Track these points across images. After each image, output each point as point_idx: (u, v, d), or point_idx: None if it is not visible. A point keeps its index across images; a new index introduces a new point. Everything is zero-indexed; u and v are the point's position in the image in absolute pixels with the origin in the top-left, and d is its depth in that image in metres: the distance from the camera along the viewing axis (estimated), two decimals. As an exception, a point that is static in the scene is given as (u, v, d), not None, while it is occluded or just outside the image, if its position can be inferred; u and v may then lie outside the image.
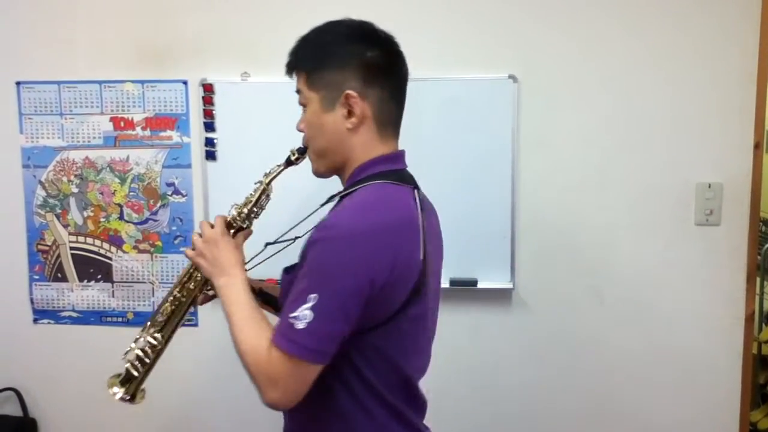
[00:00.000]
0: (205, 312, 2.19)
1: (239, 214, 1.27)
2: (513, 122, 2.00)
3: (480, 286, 2.05)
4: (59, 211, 2.22)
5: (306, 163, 1.24)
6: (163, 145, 2.15)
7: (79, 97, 2.17)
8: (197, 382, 2.17)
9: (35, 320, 2.27)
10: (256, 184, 1.30)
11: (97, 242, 2.21)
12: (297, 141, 1.24)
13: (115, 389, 1.29)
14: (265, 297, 1.36)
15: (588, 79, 2.00)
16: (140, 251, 2.20)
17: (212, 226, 1.25)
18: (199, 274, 1.27)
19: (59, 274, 2.24)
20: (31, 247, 2.24)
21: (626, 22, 1.97)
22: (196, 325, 2.21)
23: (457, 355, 2.10)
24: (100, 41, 2.15)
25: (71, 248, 2.22)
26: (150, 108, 2.14)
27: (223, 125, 2.10)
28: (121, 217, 2.19)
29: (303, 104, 1.17)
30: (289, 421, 1.22)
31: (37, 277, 2.25)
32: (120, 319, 2.23)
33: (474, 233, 2.03)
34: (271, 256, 1.32)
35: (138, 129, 2.15)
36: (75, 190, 2.20)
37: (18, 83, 2.18)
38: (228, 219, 1.27)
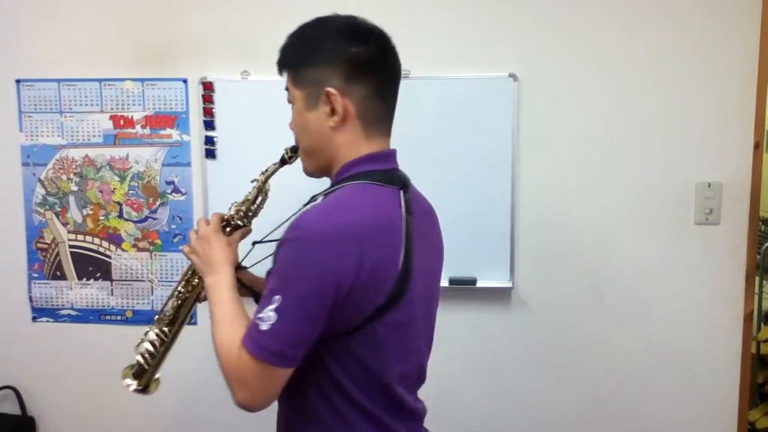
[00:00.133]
0: (205, 310, 2.18)
1: (237, 212, 1.27)
2: (513, 121, 2.01)
3: (479, 285, 2.05)
4: (58, 209, 2.21)
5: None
6: (162, 144, 2.15)
7: (78, 95, 2.16)
8: (197, 381, 2.16)
9: (34, 318, 2.27)
10: (252, 182, 1.30)
11: (97, 240, 2.21)
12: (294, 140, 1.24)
13: (128, 381, 1.31)
14: (257, 296, 1.35)
15: (588, 78, 2.00)
16: (139, 249, 2.19)
17: (209, 224, 1.25)
18: None
19: (58, 273, 2.24)
20: (30, 245, 2.24)
21: (626, 21, 1.98)
22: (195, 323, 2.20)
23: (456, 354, 2.10)
24: (100, 39, 2.14)
25: (70, 246, 2.22)
26: (150, 106, 2.14)
27: (223, 124, 2.10)
28: (120, 216, 2.19)
29: (291, 102, 1.15)
30: (277, 417, 1.22)
31: (36, 275, 2.25)
32: (119, 318, 2.23)
33: (473, 232, 2.03)
34: (265, 258, 1.31)
35: (138, 127, 2.15)
36: (74, 188, 2.20)
37: (18, 81, 2.18)
38: (225, 217, 1.27)
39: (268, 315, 1.00)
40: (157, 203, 2.17)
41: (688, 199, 2.01)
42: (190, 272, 1.31)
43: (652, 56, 1.98)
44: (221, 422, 2.17)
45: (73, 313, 2.25)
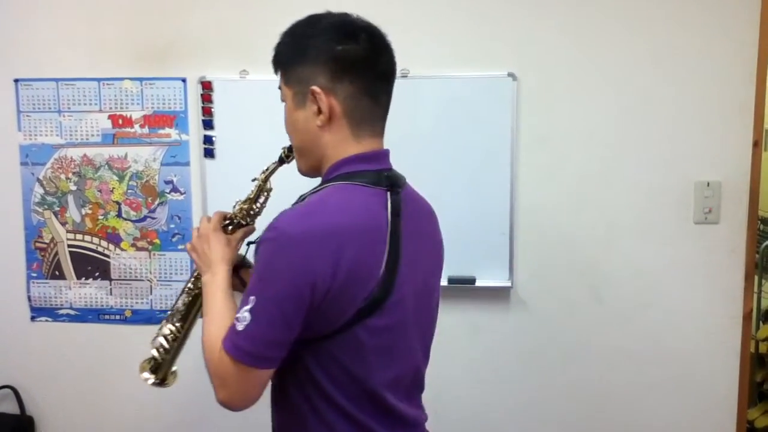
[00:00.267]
0: (204, 310, 2.19)
1: (240, 210, 1.27)
2: (512, 120, 2.00)
3: (478, 284, 2.05)
4: (57, 208, 2.21)
5: None
6: (161, 143, 2.15)
7: (77, 95, 2.16)
8: (195, 380, 2.16)
9: (33, 318, 2.27)
10: (253, 181, 1.30)
11: (95, 240, 2.21)
12: (294, 139, 1.24)
13: (146, 375, 1.32)
14: None
15: (587, 77, 2.00)
16: (138, 249, 2.19)
17: (210, 222, 1.25)
18: None
19: (57, 272, 2.23)
20: (28, 244, 2.24)
21: (625, 20, 1.97)
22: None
23: (455, 353, 2.10)
24: (98, 39, 2.14)
25: (69, 246, 2.22)
26: (148, 105, 2.14)
27: (222, 123, 2.10)
28: (119, 215, 2.19)
29: (283, 101, 1.15)
30: (271, 418, 1.21)
31: (34, 274, 2.25)
32: (118, 317, 2.23)
33: (472, 231, 2.03)
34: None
35: (136, 126, 2.15)
36: (73, 187, 2.20)
37: (16, 80, 2.18)
38: (228, 215, 1.27)
39: (244, 315, 0.99)
40: (156, 203, 2.17)
41: (687, 199, 2.01)
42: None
43: (651, 55, 1.98)
44: (220, 421, 2.17)
45: (72, 312, 2.25)
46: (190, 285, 1.32)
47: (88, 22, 2.14)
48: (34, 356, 2.28)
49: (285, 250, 0.98)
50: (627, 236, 2.04)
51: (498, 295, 2.09)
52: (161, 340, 1.29)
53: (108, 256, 2.21)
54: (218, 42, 2.09)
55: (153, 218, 2.18)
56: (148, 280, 2.21)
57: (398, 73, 1.15)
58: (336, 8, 1.14)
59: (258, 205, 1.29)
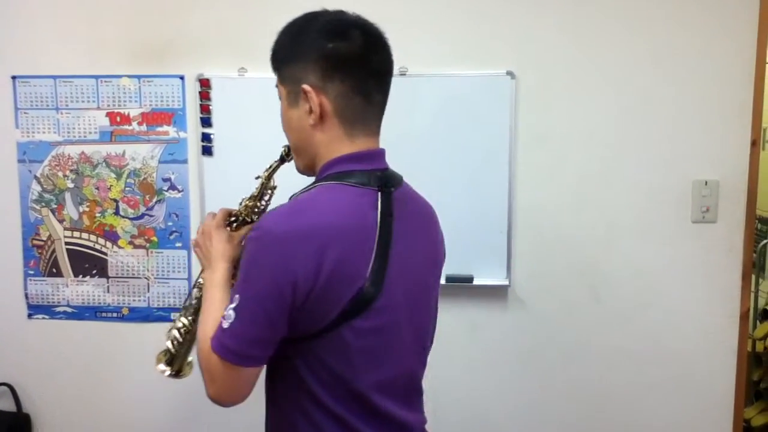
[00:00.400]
0: (201, 308, 2.18)
1: (245, 207, 1.27)
2: (511, 119, 2.00)
3: (476, 282, 2.05)
4: (54, 206, 2.21)
5: None
6: (159, 141, 2.14)
7: (75, 92, 2.16)
8: (193, 378, 2.16)
9: (30, 315, 2.27)
10: (257, 179, 1.29)
11: (93, 237, 2.20)
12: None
13: (162, 366, 1.33)
14: None
15: (585, 76, 2.00)
16: (136, 247, 2.19)
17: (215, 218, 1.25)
18: None
19: (54, 269, 2.23)
20: (26, 242, 2.23)
21: (624, 19, 1.97)
22: (191, 320, 2.20)
23: (453, 352, 2.10)
24: (96, 36, 2.13)
25: (66, 243, 2.22)
26: (146, 103, 2.13)
27: (220, 121, 2.10)
28: (116, 213, 2.18)
29: (280, 99, 1.14)
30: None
31: (31, 272, 2.24)
32: (115, 315, 2.23)
33: (471, 230, 2.03)
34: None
35: (134, 124, 2.15)
36: (70, 185, 2.19)
37: (14, 77, 2.17)
38: (233, 212, 1.27)
39: (229, 313, 1.00)
40: (154, 200, 2.17)
41: (685, 197, 2.01)
42: None
43: (650, 55, 1.98)
44: (216, 419, 2.17)
45: (69, 310, 2.24)
46: (200, 279, 1.32)
47: (85, 19, 2.13)
48: (31, 354, 2.28)
49: (268, 249, 0.99)
50: (625, 235, 2.04)
51: (496, 293, 2.09)
52: (175, 332, 1.30)
53: (105, 254, 2.21)
54: (216, 39, 2.09)
55: (151, 216, 2.17)
56: (146, 278, 2.20)
57: (396, 71, 1.14)
58: (335, 6, 1.14)
59: (263, 202, 1.28)
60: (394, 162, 1.15)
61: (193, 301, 1.31)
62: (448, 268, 1.99)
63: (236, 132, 2.09)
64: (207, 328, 1.07)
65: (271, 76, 1.16)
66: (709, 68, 1.96)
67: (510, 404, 2.13)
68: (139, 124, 2.14)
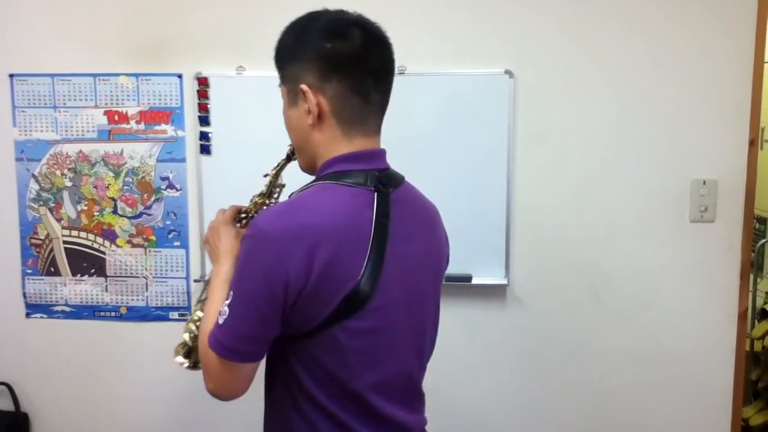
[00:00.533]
0: (199, 307, 2.18)
1: (255, 204, 1.28)
2: (509, 118, 2.00)
3: (474, 282, 2.05)
4: (52, 204, 2.20)
5: None
6: (157, 139, 2.14)
7: (73, 91, 2.15)
8: (192, 378, 2.16)
9: (28, 314, 2.26)
10: (265, 176, 1.30)
11: (91, 236, 2.20)
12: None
13: (180, 359, 1.32)
14: None
15: (584, 75, 2.00)
16: (134, 245, 2.19)
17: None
18: None
19: (52, 269, 2.23)
20: (23, 241, 2.23)
21: (623, 19, 1.97)
22: (190, 319, 2.20)
23: (451, 351, 2.10)
24: (94, 34, 2.13)
25: (64, 242, 2.21)
26: (144, 101, 2.13)
27: (218, 119, 2.09)
28: (114, 212, 2.18)
29: (282, 98, 1.15)
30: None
31: (29, 271, 2.24)
32: (113, 314, 2.23)
33: (469, 229, 2.03)
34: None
35: (132, 123, 2.14)
36: (68, 183, 2.19)
37: (11, 76, 2.17)
38: (243, 209, 1.27)
39: (224, 309, 1.02)
40: (152, 199, 2.16)
41: (683, 197, 2.01)
42: None
43: (648, 54, 1.98)
44: (215, 418, 2.17)
45: (67, 309, 2.24)
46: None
47: (83, 18, 2.13)
48: (29, 353, 2.27)
49: (261, 247, 1.00)
50: (624, 235, 2.04)
51: (494, 293, 2.09)
52: (191, 326, 1.31)
53: (103, 253, 2.20)
54: (214, 38, 2.09)
55: (149, 215, 2.17)
56: (144, 277, 2.20)
57: (396, 70, 1.13)
58: (334, 5, 1.14)
59: (272, 200, 1.29)
60: (392, 161, 1.15)
61: (209, 295, 1.33)
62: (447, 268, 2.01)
63: (234, 131, 2.09)
64: (207, 322, 1.09)
65: (269, 75, 1.16)
66: (708, 68, 1.96)
67: (509, 404, 2.13)
68: (137, 122, 2.14)
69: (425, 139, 2.01)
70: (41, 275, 2.24)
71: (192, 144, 2.12)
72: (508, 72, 1.99)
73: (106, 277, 2.21)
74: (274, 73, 1.15)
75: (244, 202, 1.29)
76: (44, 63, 2.15)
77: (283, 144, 1.24)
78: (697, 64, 1.96)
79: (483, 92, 2.00)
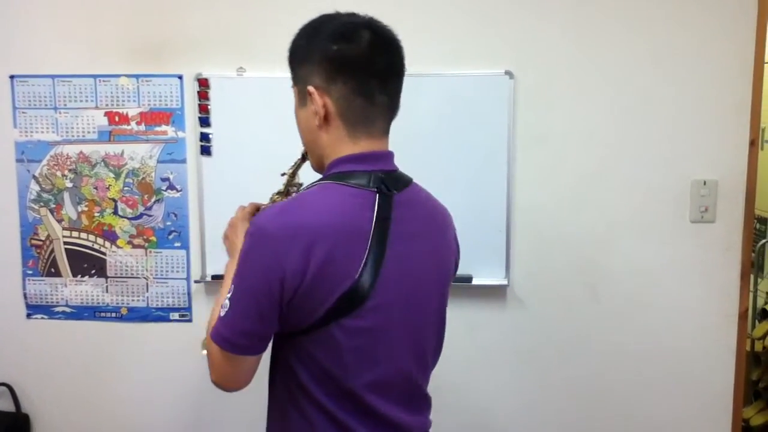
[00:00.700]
0: (200, 308, 2.18)
1: (272, 202, 1.29)
2: (509, 118, 2.00)
3: (475, 282, 2.05)
4: (53, 205, 2.20)
5: None
6: (157, 140, 2.14)
7: (73, 92, 2.15)
8: (191, 378, 2.16)
9: (28, 315, 2.26)
10: (282, 175, 1.31)
11: (91, 237, 2.20)
12: (291, 136, 1.24)
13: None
14: None
15: (584, 76, 2.00)
16: (134, 246, 2.19)
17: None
18: None
19: (53, 269, 2.23)
20: (24, 241, 2.23)
21: (623, 19, 1.97)
22: (190, 321, 2.20)
23: (451, 352, 2.08)
24: (95, 35, 2.13)
25: (65, 243, 2.21)
26: (145, 102, 2.13)
27: (218, 120, 2.09)
28: (115, 212, 2.18)
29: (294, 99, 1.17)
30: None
31: (30, 272, 2.24)
32: (114, 315, 2.23)
33: (469, 229, 2.01)
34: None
35: (133, 124, 2.14)
36: (69, 184, 2.19)
37: (12, 77, 2.17)
38: (261, 206, 1.28)
39: (225, 303, 1.05)
40: (152, 200, 2.16)
41: (683, 197, 2.01)
42: None
43: (648, 54, 1.98)
44: (217, 419, 2.17)
45: (68, 310, 2.24)
46: None
47: (84, 19, 2.13)
48: (29, 354, 2.27)
49: (259, 244, 1.02)
50: (624, 235, 2.04)
51: (494, 293, 2.09)
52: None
53: (104, 254, 2.20)
54: (215, 39, 2.08)
55: (149, 216, 2.17)
56: (144, 278, 2.20)
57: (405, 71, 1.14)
58: (332, 7, 1.14)
59: (287, 197, 1.30)
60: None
61: None
62: (447, 268, 2.01)
63: (235, 132, 2.09)
64: (215, 314, 1.11)
65: (270, 76, 1.17)
66: (708, 68, 1.96)
67: (509, 404, 2.13)
68: (138, 123, 2.14)
69: (425, 139, 2.01)
70: (42, 276, 2.24)
71: (192, 145, 2.12)
72: (508, 73, 1.99)
73: (106, 277, 2.22)
74: (274, 74, 1.16)
75: (245, 202, 1.29)
76: (45, 64, 2.15)
77: (283, 145, 1.24)
78: (698, 64, 1.96)
79: (483, 93, 2.00)
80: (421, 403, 1.22)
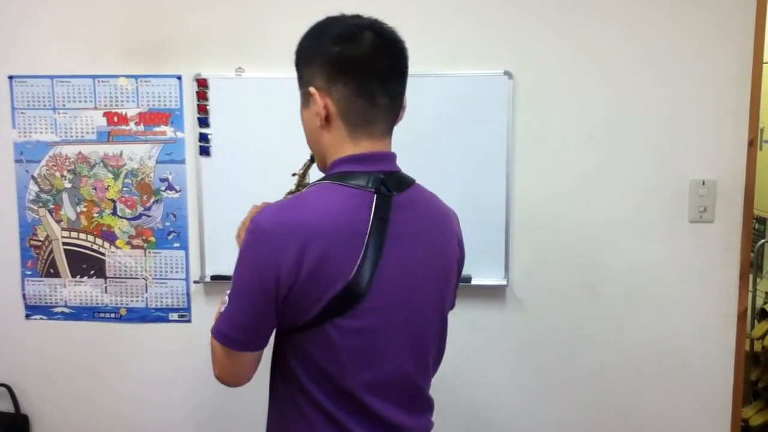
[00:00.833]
0: (199, 308, 2.18)
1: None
2: (508, 119, 2.00)
3: (474, 282, 2.05)
4: (52, 206, 2.20)
5: None
6: (156, 141, 2.14)
7: (72, 92, 2.15)
8: (190, 378, 2.16)
9: (27, 316, 2.26)
10: (293, 176, 1.33)
11: (90, 238, 2.20)
12: (290, 137, 1.24)
13: None
14: None
15: (583, 76, 2.00)
16: (133, 247, 2.19)
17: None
18: None
19: (52, 270, 2.23)
20: (23, 242, 2.23)
21: (622, 20, 1.98)
22: (189, 321, 2.20)
23: (451, 352, 2.08)
24: (94, 36, 2.13)
25: (64, 244, 2.21)
26: (144, 103, 2.13)
27: (217, 121, 2.09)
28: (114, 213, 2.18)
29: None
30: None
31: (29, 272, 2.24)
32: (113, 315, 2.23)
33: (468, 230, 1.99)
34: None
35: (132, 124, 2.14)
36: (68, 185, 2.19)
37: (10, 77, 2.17)
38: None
39: (225, 299, 1.07)
40: (151, 200, 2.16)
41: (682, 197, 2.01)
42: None
43: (647, 55, 1.98)
44: (217, 419, 2.17)
45: (67, 310, 2.24)
46: None
47: (83, 19, 2.13)
48: (28, 354, 2.27)
49: (257, 242, 1.04)
50: (622, 235, 2.04)
51: (494, 293, 2.09)
52: None
53: (103, 254, 2.20)
54: (214, 39, 2.08)
55: (148, 216, 2.17)
56: (144, 278, 2.20)
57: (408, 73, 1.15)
58: (331, 7, 1.14)
59: None
60: (391, 162, 1.15)
61: None
62: (446, 268, 2.01)
63: (234, 132, 2.08)
64: (218, 310, 1.13)
65: (269, 76, 1.17)
66: (707, 68, 1.96)
67: (508, 403, 2.13)
68: (137, 124, 2.14)
69: (425, 139, 2.01)
70: (41, 277, 2.24)
71: (191, 145, 2.12)
72: (507, 73, 2.00)
73: (105, 278, 2.21)
74: (273, 75, 1.16)
75: (244, 203, 1.29)
76: (43, 64, 2.15)
77: (282, 145, 1.25)
78: (696, 64, 1.97)
79: (482, 93, 2.00)
80: (422, 404, 1.22)
